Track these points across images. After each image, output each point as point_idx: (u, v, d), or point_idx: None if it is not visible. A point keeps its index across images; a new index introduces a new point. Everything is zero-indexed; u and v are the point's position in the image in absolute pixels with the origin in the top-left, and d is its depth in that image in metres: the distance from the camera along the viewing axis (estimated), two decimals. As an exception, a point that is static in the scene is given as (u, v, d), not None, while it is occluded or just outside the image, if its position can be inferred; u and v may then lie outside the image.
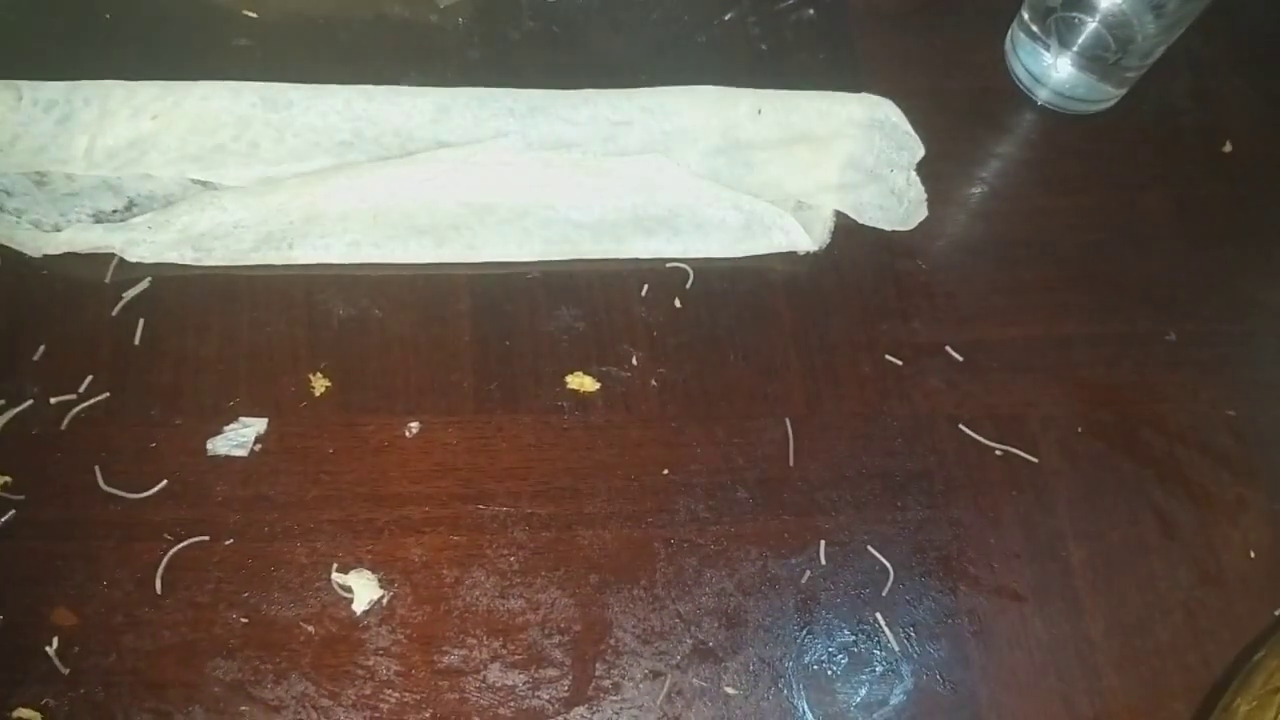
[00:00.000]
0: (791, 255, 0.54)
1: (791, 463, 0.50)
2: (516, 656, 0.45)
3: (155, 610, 0.44)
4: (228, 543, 0.45)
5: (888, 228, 0.55)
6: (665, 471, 0.49)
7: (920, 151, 0.57)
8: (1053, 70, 0.59)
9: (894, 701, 0.46)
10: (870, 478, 0.50)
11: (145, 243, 0.50)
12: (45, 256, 0.50)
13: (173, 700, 0.42)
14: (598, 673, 0.45)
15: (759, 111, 0.56)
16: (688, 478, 0.49)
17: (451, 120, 0.54)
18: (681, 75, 0.56)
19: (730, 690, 0.46)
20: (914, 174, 0.56)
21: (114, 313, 0.49)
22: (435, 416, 0.49)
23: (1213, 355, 0.55)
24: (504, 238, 0.52)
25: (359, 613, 0.45)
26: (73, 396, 0.47)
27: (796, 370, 0.52)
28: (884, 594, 0.48)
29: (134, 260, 0.50)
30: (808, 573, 0.48)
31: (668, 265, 0.53)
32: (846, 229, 0.55)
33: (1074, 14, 0.57)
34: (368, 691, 0.44)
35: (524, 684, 0.44)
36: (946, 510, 0.50)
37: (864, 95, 0.57)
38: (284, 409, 0.48)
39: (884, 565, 0.49)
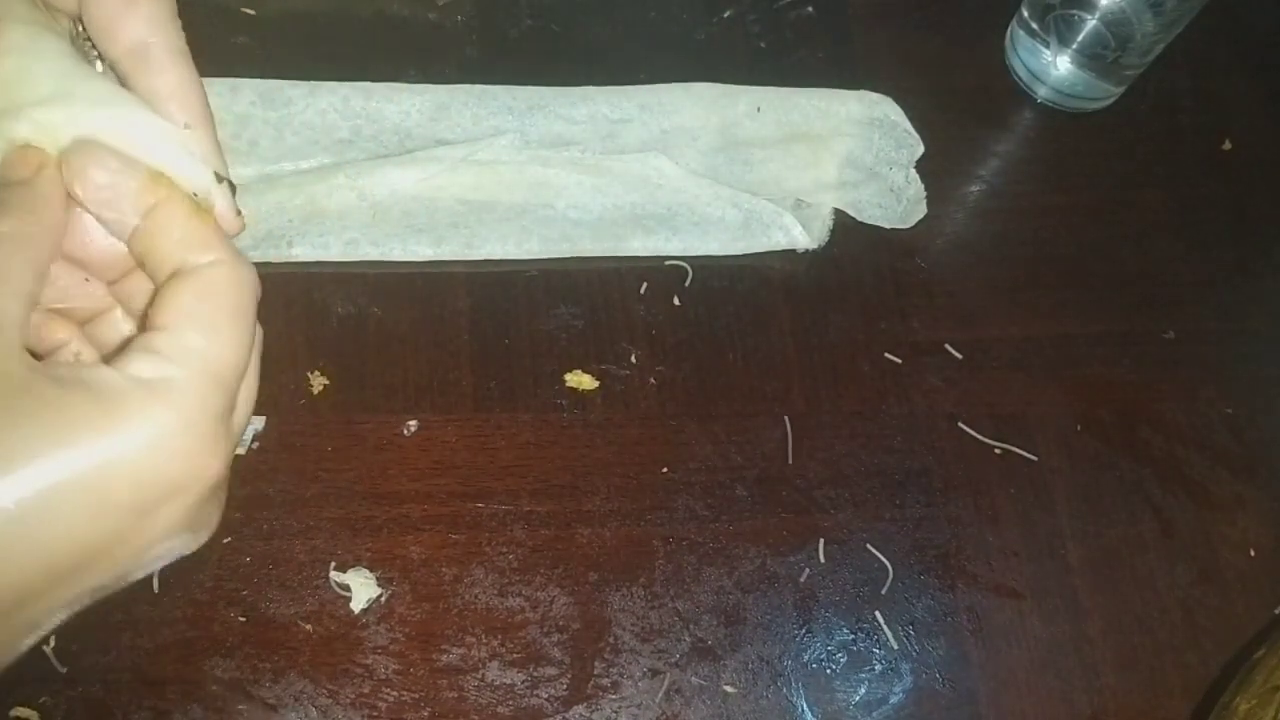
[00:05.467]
0: (790, 253, 0.54)
1: (790, 461, 0.50)
2: (515, 655, 0.45)
3: (153, 608, 0.44)
4: (226, 541, 0.45)
5: (887, 226, 0.55)
6: (664, 469, 0.49)
7: (919, 149, 0.56)
8: (1052, 68, 0.59)
9: (893, 699, 0.46)
10: (869, 476, 0.50)
11: (143, 240, 0.49)
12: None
13: (171, 698, 0.42)
14: (596, 671, 0.45)
15: (758, 109, 0.56)
16: (686, 476, 0.49)
17: (450, 118, 0.54)
18: (680, 73, 0.56)
19: (729, 688, 0.46)
20: (913, 172, 0.56)
21: (112, 311, 0.49)
22: (434, 414, 0.49)
23: (1211, 353, 0.55)
24: (502, 236, 0.52)
25: (357, 611, 0.45)
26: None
27: (795, 368, 0.52)
28: (883, 592, 0.48)
29: (132, 258, 0.50)
30: (807, 571, 0.48)
31: (667, 263, 0.53)
32: (845, 227, 0.55)
33: (1073, 11, 0.57)
34: (366, 690, 0.44)
35: (523, 682, 0.44)
36: (945, 508, 0.50)
37: (863, 93, 0.57)
38: (283, 407, 0.48)
39: (883, 563, 0.49)
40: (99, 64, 0.30)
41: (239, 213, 0.29)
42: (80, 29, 0.30)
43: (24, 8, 0.28)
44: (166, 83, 0.29)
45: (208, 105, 0.29)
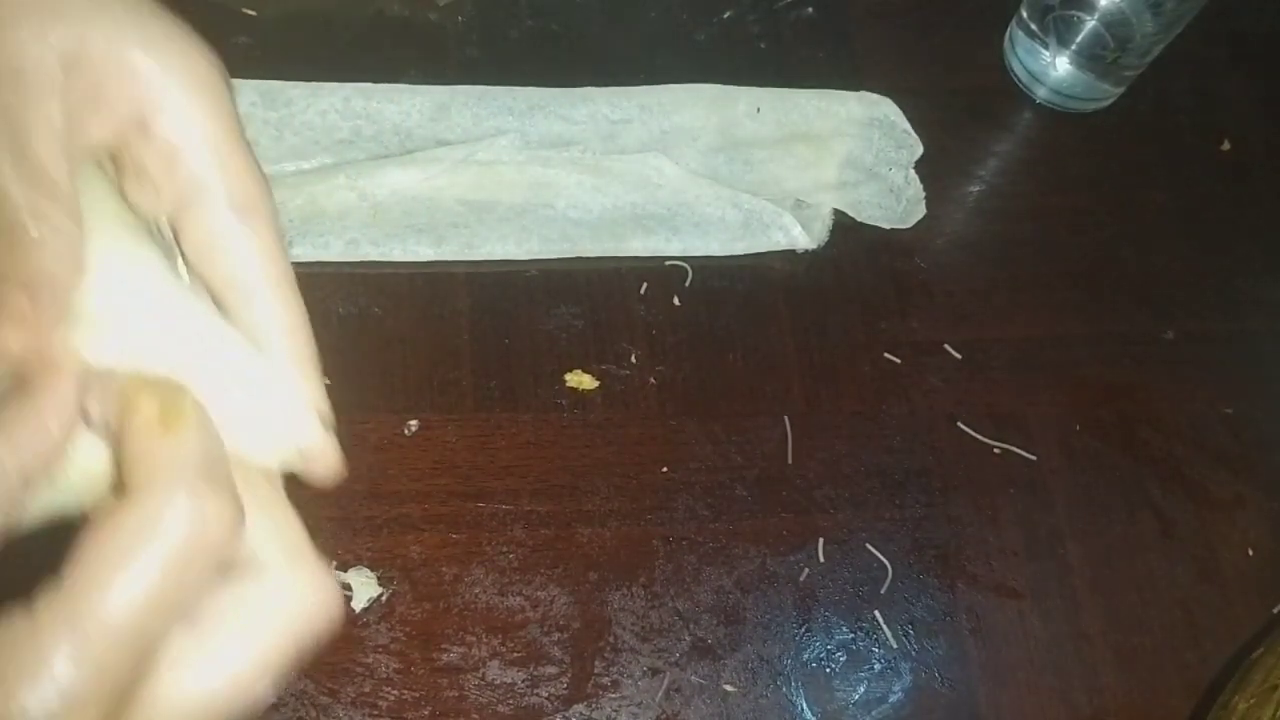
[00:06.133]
0: (790, 253, 0.54)
1: (790, 460, 0.50)
2: (516, 654, 0.45)
3: (154, 608, 0.44)
4: (227, 540, 0.45)
5: (886, 226, 0.55)
6: (664, 469, 0.49)
7: (919, 150, 0.57)
8: (1051, 69, 0.59)
9: (892, 699, 0.46)
10: (869, 476, 0.50)
11: (144, 241, 0.50)
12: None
13: (172, 697, 0.42)
14: (597, 670, 0.45)
15: (758, 110, 0.56)
16: (686, 475, 0.49)
17: (450, 118, 0.54)
18: (680, 73, 0.56)
19: (729, 688, 0.46)
20: (912, 172, 0.56)
21: (113, 310, 0.49)
22: (434, 414, 0.49)
23: (1211, 354, 0.56)
24: (503, 236, 0.52)
25: (358, 610, 0.45)
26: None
27: (795, 368, 0.52)
28: (882, 591, 0.48)
29: (133, 258, 0.50)
30: (806, 570, 0.48)
31: (667, 263, 0.53)
32: (845, 227, 0.55)
33: (1073, 12, 0.57)
34: (367, 689, 0.44)
35: (523, 681, 0.45)
36: (945, 508, 0.50)
37: (863, 93, 0.57)
38: (283, 407, 0.48)
39: (882, 563, 0.49)
40: (181, 262, 0.26)
41: (339, 457, 0.26)
42: (163, 226, 0.27)
43: (113, 204, 0.25)
44: (271, 318, 0.25)
45: (313, 342, 0.26)
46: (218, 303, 0.26)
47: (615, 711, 0.45)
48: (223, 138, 0.25)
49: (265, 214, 0.26)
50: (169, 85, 0.25)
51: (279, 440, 0.25)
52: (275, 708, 0.43)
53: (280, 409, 0.25)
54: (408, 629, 0.45)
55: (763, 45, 0.60)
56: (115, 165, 0.26)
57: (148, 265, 0.25)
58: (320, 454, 0.25)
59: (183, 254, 0.26)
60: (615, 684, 0.45)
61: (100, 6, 0.25)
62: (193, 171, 0.25)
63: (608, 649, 0.46)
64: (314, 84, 0.53)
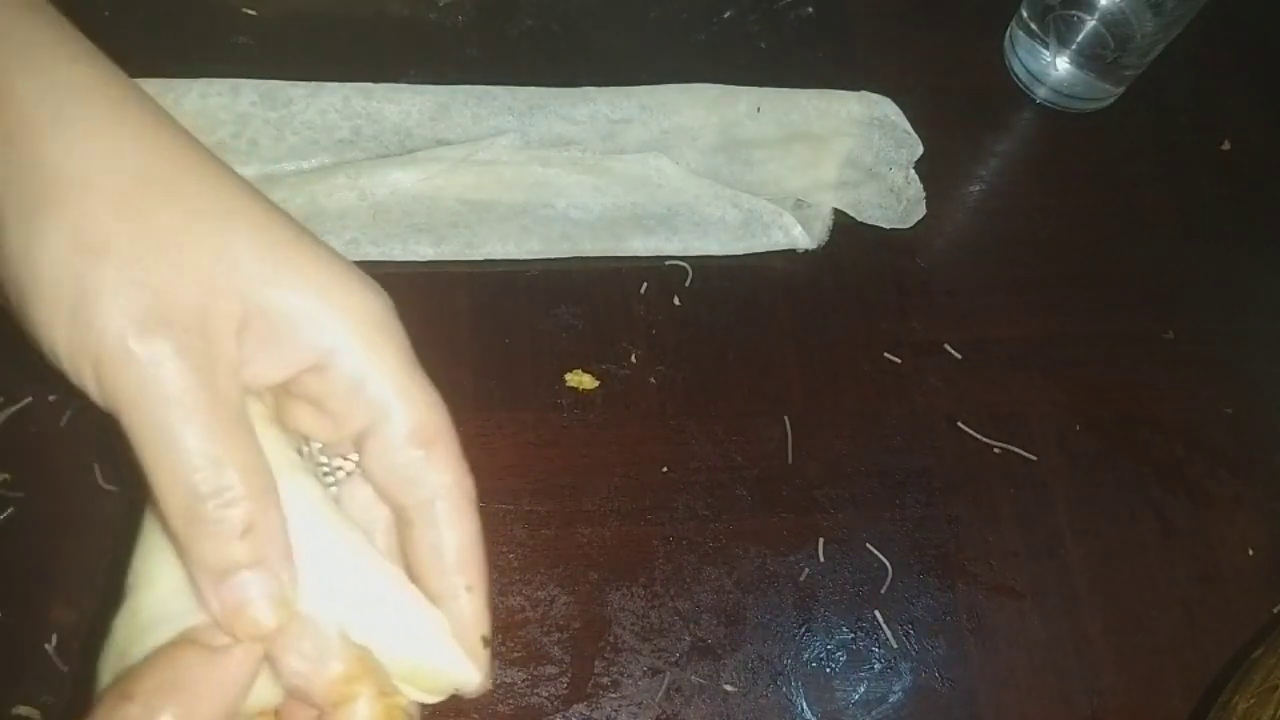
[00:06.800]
0: (790, 253, 0.54)
1: (790, 460, 0.50)
2: (516, 654, 0.45)
3: (154, 607, 0.44)
4: (227, 540, 0.45)
5: (886, 226, 0.55)
6: (664, 469, 0.49)
7: (919, 149, 0.57)
8: (1051, 68, 0.59)
9: (892, 699, 0.46)
10: (869, 475, 0.50)
11: (144, 240, 0.49)
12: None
13: (172, 697, 0.42)
14: (597, 670, 0.45)
15: (758, 109, 0.56)
16: (687, 475, 0.49)
17: (450, 118, 0.54)
18: (681, 73, 0.56)
19: (729, 687, 0.46)
20: (913, 172, 0.56)
21: (113, 310, 0.49)
22: (434, 414, 0.49)
23: (1211, 353, 0.56)
24: (503, 236, 0.52)
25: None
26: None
27: (795, 368, 0.52)
28: (882, 591, 0.48)
29: (133, 258, 0.50)
30: (806, 570, 0.48)
31: (667, 263, 0.53)
32: (845, 227, 0.55)
33: (1073, 12, 0.57)
34: (367, 689, 0.44)
35: (523, 681, 0.45)
36: (945, 508, 0.50)
37: (863, 93, 0.57)
38: (283, 407, 0.48)
39: (882, 563, 0.49)
40: (329, 478, 0.27)
41: (490, 682, 0.27)
42: (311, 448, 0.27)
43: (270, 434, 0.26)
44: (453, 540, 0.27)
45: (485, 562, 0.27)
46: (400, 520, 0.27)
47: (615, 711, 0.45)
48: (402, 370, 0.27)
49: (447, 441, 0.27)
50: (347, 328, 0.26)
51: (440, 687, 0.26)
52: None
53: (447, 659, 0.26)
54: (408, 629, 0.45)
55: (763, 45, 0.60)
56: (273, 392, 0.27)
57: (313, 500, 0.26)
58: (477, 690, 0.26)
59: (326, 460, 0.27)
60: (615, 684, 0.45)
61: (282, 253, 0.26)
62: (376, 403, 0.26)
63: (608, 649, 0.46)
64: (314, 84, 0.53)
